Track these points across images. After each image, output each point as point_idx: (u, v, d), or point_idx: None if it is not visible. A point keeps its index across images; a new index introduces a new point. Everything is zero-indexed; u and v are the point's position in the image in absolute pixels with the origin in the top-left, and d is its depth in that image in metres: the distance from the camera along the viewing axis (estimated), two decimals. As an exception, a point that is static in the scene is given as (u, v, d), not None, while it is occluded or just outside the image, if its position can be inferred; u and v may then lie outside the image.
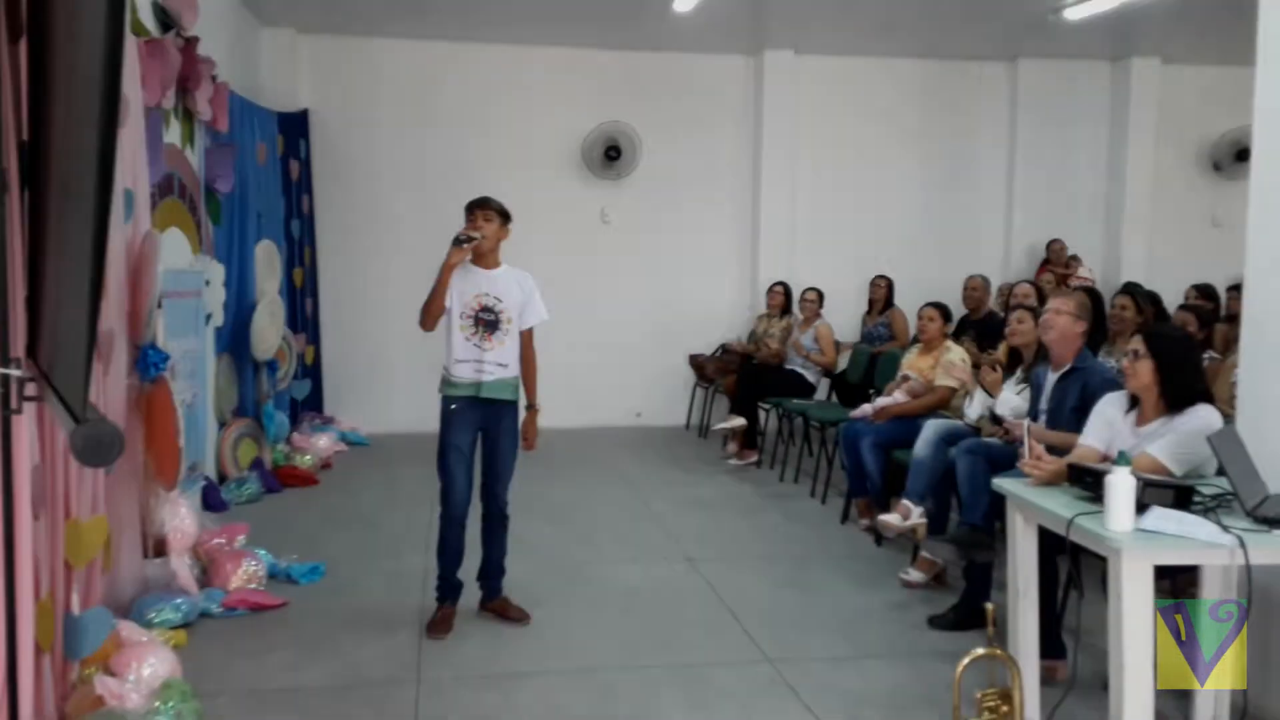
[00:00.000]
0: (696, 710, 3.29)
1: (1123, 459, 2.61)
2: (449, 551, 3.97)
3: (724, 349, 8.23)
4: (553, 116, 8.21)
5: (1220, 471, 2.74)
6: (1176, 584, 3.73)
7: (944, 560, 4.32)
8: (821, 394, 7.28)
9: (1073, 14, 6.87)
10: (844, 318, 7.90)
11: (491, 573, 4.08)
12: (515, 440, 3.99)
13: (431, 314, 3.85)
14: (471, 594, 4.07)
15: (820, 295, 7.30)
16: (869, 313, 7.96)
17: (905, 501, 4.48)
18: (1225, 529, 2.54)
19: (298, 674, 3.55)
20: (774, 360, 7.29)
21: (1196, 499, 2.75)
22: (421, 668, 3.60)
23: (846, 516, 5.47)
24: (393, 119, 8.04)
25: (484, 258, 3.91)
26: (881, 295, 7.82)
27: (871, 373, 6.60)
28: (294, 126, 7.49)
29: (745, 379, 7.25)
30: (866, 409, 5.35)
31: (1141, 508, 2.62)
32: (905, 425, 5.00)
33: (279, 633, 3.90)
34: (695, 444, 7.83)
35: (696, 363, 8.24)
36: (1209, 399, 3.21)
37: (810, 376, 7.10)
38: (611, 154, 8.14)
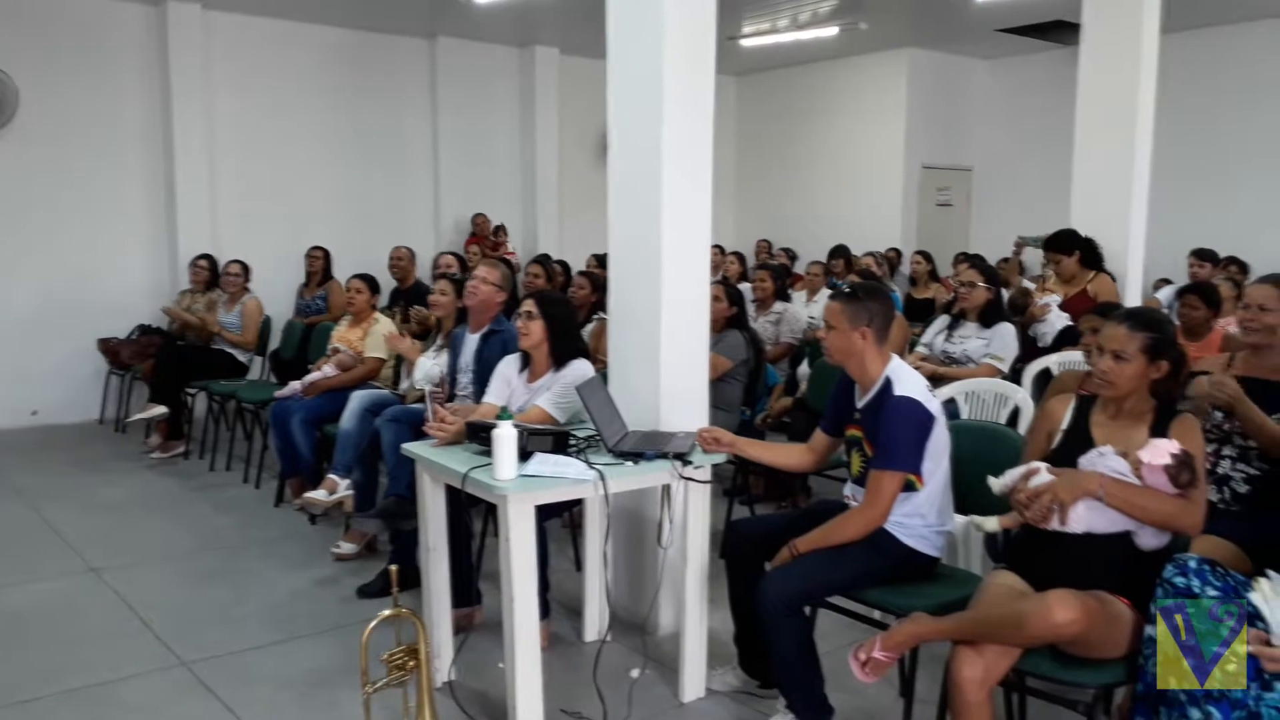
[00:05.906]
0: (95, 736, 2.95)
1: (504, 414, 2.86)
2: None
3: (142, 330, 7.41)
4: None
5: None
6: (573, 517, 4.26)
7: (374, 532, 4.38)
8: (256, 373, 6.92)
9: (479, -3, 7.30)
10: (282, 291, 7.56)
11: None
12: None
13: None
14: None
15: (246, 268, 6.87)
16: (307, 285, 7.72)
17: (332, 475, 4.45)
18: (591, 466, 2.92)
19: None
20: (202, 339, 6.73)
21: (572, 442, 3.13)
22: None
23: (281, 499, 5.27)
24: None
25: None
26: (319, 267, 7.61)
27: (306, 347, 6.42)
28: None
29: (166, 362, 6.59)
30: (295, 386, 5.19)
31: (526, 455, 2.91)
32: (336, 399, 4.94)
33: None
34: (111, 440, 6.95)
35: (109, 347, 7.30)
36: (587, 355, 3.69)
37: (241, 356, 6.69)
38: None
